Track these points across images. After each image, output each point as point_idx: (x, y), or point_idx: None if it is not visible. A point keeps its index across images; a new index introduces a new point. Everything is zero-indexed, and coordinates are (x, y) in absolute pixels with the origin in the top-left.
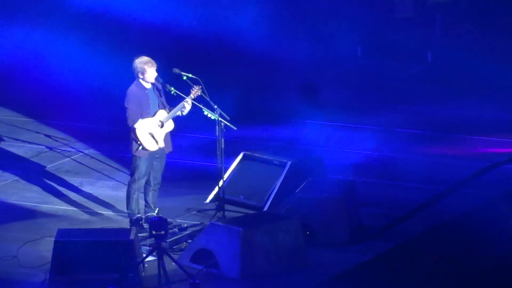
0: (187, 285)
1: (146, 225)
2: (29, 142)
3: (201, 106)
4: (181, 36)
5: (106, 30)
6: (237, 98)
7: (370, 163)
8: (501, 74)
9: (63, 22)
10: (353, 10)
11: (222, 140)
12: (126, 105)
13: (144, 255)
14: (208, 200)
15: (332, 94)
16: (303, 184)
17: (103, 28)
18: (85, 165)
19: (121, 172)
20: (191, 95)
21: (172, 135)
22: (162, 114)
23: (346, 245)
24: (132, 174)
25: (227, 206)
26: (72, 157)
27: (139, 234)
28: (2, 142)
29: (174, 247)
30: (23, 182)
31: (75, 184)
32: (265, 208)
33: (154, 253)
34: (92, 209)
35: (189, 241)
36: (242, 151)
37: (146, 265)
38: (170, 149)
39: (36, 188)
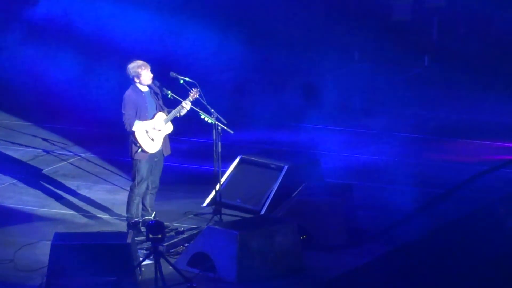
0: None
1: (143, 229)
2: (26, 146)
3: (198, 109)
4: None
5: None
6: (233, 101)
7: (367, 166)
8: (498, 77)
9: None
10: (351, 13)
11: (219, 143)
12: (122, 111)
13: (141, 258)
14: (205, 204)
15: (329, 98)
16: (300, 188)
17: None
18: (82, 169)
19: (118, 176)
20: (190, 97)
21: (169, 139)
22: (160, 116)
23: (343, 248)
24: (133, 178)
25: (224, 210)
26: (69, 161)
27: (136, 238)
28: None
29: (171, 251)
30: (20, 185)
31: (72, 188)
32: (262, 212)
33: (151, 257)
34: (89, 213)
35: (186, 244)
36: (239, 155)
37: (143, 268)
38: (168, 152)
39: (33, 192)
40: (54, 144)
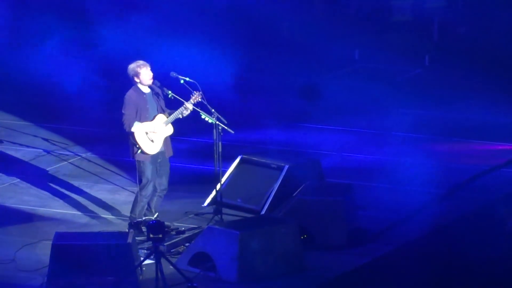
0: None
1: (144, 229)
2: (27, 146)
3: (198, 109)
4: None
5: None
6: (234, 101)
7: (368, 166)
8: (499, 77)
9: (61, 23)
10: (351, 13)
11: (220, 143)
12: (122, 111)
13: (141, 258)
14: (205, 204)
15: (329, 97)
16: (301, 188)
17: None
18: (83, 169)
19: (119, 176)
20: (191, 100)
21: (170, 138)
22: (161, 118)
23: (344, 248)
24: (139, 181)
25: (224, 210)
26: (70, 161)
27: (136, 238)
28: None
29: (171, 251)
30: (21, 185)
31: (73, 188)
32: (263, 212)
33: (152, 257)
34: (90, 213)
35: (187, 244)
36: (240, 154)
37: (144, 268)
38: (170, 153)
39: (33, 192)
40: (54, 144)
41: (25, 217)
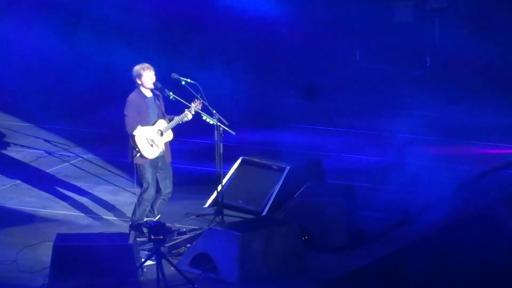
0: None
1: (145, 230)
2: (28, 147)
3: (199, 111)
4: (178, 36)
5: (104, 34)
6: (235, 102)
7: (369, 167)
8: (500, 78)
9: (62, 26)
10: (353, 14)
11: (221, 145)
12: (125, 112)
13: (143, 259)
14: (207, 205)
15: (331, 98)
16: (302, 189)
17: (101, 32)
18: (84, 170)
19: (120, 177)
20: (192, 108)
21: (169, 144)
22: (161, 123)
23: (345, 249)
24: (141, 184)
25: (226, 211)
26: (71, 162)
27: (138, 239)
28: (1, 147)
29: (173, 252)
30: (22, 186)
31: (74, 189)
32: (264, 213)
33: (153, 258)
34: (91, 214)
35: (188, 245)
36: (241, 156)
37: (145, 269)
38: (169, 159)
39: (35, 193)
40: (56, 145)
41: (27, 219)
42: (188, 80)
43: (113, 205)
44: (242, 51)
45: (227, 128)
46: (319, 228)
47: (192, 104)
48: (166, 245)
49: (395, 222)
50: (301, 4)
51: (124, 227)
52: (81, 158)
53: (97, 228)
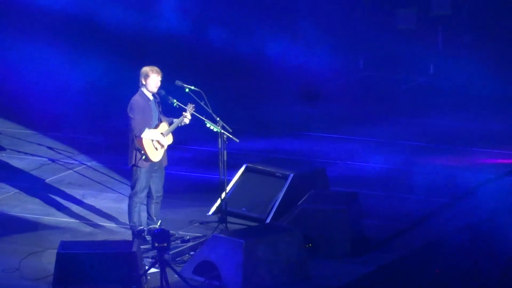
0: None
1: (148, 237)
2: (32, 154)
3: (203, 118)
4: (181, 47)
5: (107, 42)
6: (239, 110)
7: (373, 175)
8: (503, 85)
9: (65, 34)
10: (356, 22)
11: (225, 152)
12: (131, 115)
13: (146, 267)
14: (210, 212)
15: (334, 106)
16: (306, 196)
17: (104, 40)
18: (88, 177)
19: (124, 185)
20: (187, 112)
21: (174, 147)
22: (163, 127)
23: (349, 256)
24: (133, 187)
25: (229, 218)
26: (75, 169)
27: (141, 246)
28: (4, 154)
29: (176, 259)
30: (26, 194)
31: (78, 196)
32: (268, 220)
33: (157, 265)
34: (95, 221)
35: (192, 253)
36: (245, 163)
37: (148, 277)
38: (166, 163)
39: (38, 200)
40: (59, 153)
41: (30, 226)
42: (192, 88)
43: (116, 212)
44: (245, 58)
45: (231, 136)
46: (323, 235)
47: (187, 107)
48: (170, 252)
49: (399, 230)
50: (303, 11)
51: (127, 235)
52: (84, 166)
53: (100, 235)
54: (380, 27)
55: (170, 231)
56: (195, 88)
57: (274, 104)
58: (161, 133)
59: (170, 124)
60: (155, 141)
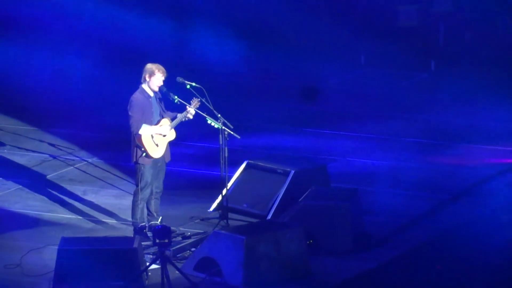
0: None
1: (149, 234)
2: (33, 151)
3: (204, 114)
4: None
5: (105, 39)
6: (240, 106)
7: (374, 171)
8: (505, 82)
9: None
10: (357, 18)
11: (226, 148)
12: (130, 113)
13: (147, 263)
14: (211, 209)
15: (336, 102)
16: (307, 193)
17: (103, 38)
18: (89, 174)
19: (125, 181)
20: (192, 106)
21: (175, 143)
22: (165, 123)
23: (350, 253)
24: (137, 183)
25: (230, 215)
26: (76, 166)
27: (142, 243)
28: (6, 151)
29: (177, 256)
30: (27, 190)
31: (79, 193)
32: (269, 217)
33: (158, 262)
34: (96, 218)
35: (193, 249)
36: (246, 159)
37: (149, 273)
38: (169, 158)
39: (39, 197)
40: (60, 149)
41: (31, 222)
42: (193, 84)
43: (117, 209)
44: (246, 54)
45: (232, 132)
46: (324, 232)
47: (191, 102)
48: (171, 248)
49: (400, 226)
50: (305, 8)
51: (128, 231)
52: (85, 162)
53: (101, 231)
54: (382, 23)
55: (171, 228)
56: (196, 85)
57: (275, 100)
58: (163, 129)
59: (172, 119)
60: (156, 137)
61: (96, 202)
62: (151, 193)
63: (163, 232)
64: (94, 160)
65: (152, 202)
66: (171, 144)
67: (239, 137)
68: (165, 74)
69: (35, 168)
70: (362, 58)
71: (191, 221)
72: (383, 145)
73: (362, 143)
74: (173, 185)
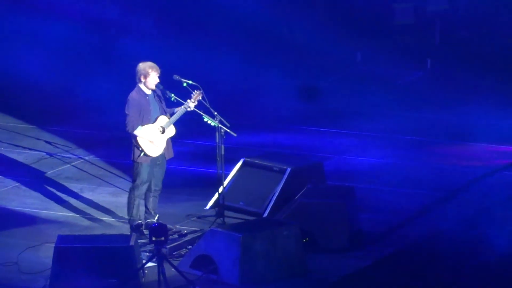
0: None
1: (146, 231)
2: (30, 149)
3: (201, 112)
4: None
5: (105, 35)
6: (237, 104)
7: (370, 169)
8: (501, 79)
9: (64, 27)
10: (354, 16)
11: (222, 146)
12: (126, 112)
13: (144, 261)
14: (208, 207)
15: (332, 100)
16: (303, 190)
17: (102, 34)
18: (86, 172)
19: (121, 179)
20: (192, 99)
21: (172, 141)
22: (163, 120)
23: (346, 251)
24: (133, 180)
25: (227, 213)
26: (73, 164)
27: (139, 240)
28: (2, 148)
29: (174, 253)
30: (24, 188)
31: (76, 190)
32: (265, 214)
33: (154, 259)
34: (92, 215)
35: (189, 247)
36: (242, 157)
37: (146, 271)
38: (171, 155)
39: (36, 194)
40: (57, 147)
41: (28, 220)
42: (190, 82)
43: (114, 206)
44: (242, 51)
45: (228, 130)
46: (320, 230)
47: (192, 95)
48: (167, 246)
49: (396, 224)
50: (302, 5)
51: (125, 229)
52: (82, 160)
53: (98, 229)
54: (378, 21)
55: (168, 225)
56: (193, 83)
57: (272, 98)
58: (161, 127)
59: (171, 115)
60: (153, 135)
61: (92, 200)
62: (150, 191)
63: (159, 230)
64: (91, 157)
65: (150, 199)
66: (171, 140)
67: (235, 135)
68: (159, 71)
69: (32, 166)
70: (358, 55)
71: (187, 219)
72: (379, 143)
73: (358, 141)
74: (170, 183)
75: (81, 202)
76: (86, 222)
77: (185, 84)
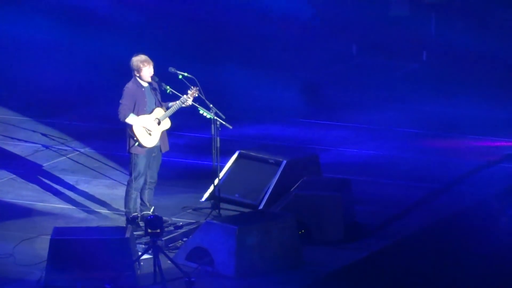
0: (183, 283)
1: (142, 224)
2: (25, 141)
3: (196, 105)
4: (176, 31)
5: (100, 26)
6: (233, 96)
7: (365, 161)
8: (496, 72)
9: (59, 20)
10: (349, 8)
11: (218, 139)
12: (120, 101)
13: (139, 253)
14: (203, 199)
15: (327, 92)
16: (299, 183)
17: (96, 25)
18: (81, 164)
19: (117, 171)
20: (189, 95)
21: (167, 134)
22: (159, 112)
23: (341, 243)
24: (130, 173)
25: (222, 205)
26: (68, 156)
27: (134, 233)
28: None
29: (169, 245)
30: (19, 180)
31: (71, 183)
32: (261, 207)
33: (150, 251)
34: (88, 208)
35: (185, 239)
36: (238, 149)
37: (141, 263)
38: (167, 148)
39: (32, 187)
40: (53, 139)
41: (23, 212)
42: (186, 74)
43: (110, 198)
44: (239, 45)
45: (224, 122)
46: (316, 222)
47: (189, 91)
48: (163, 238)
49: (391, 216)
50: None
51: (120, 221)
52: (78, 152)
53: (94, 221)
54: (374, 13)
55: (163, 218)
56: (189, 75)
57: (268, 90)
58: (156, 118)
59: (167, 109)
60: (148, 126)
61: (88, 192)
62: (145, 183)
63: (155, 222)
64: (87, 150)
65: (146, 192)
66: (166, 133)
67: (231, 127)
68: (152, 63)
69: (27, 158)
70: (354, 48)
71: (183, 211)
72: (375, 135)
73: (354, 133)
74: (166, 175)
75: (77, 194)
76: (82, 214)
77: (180, 77)
